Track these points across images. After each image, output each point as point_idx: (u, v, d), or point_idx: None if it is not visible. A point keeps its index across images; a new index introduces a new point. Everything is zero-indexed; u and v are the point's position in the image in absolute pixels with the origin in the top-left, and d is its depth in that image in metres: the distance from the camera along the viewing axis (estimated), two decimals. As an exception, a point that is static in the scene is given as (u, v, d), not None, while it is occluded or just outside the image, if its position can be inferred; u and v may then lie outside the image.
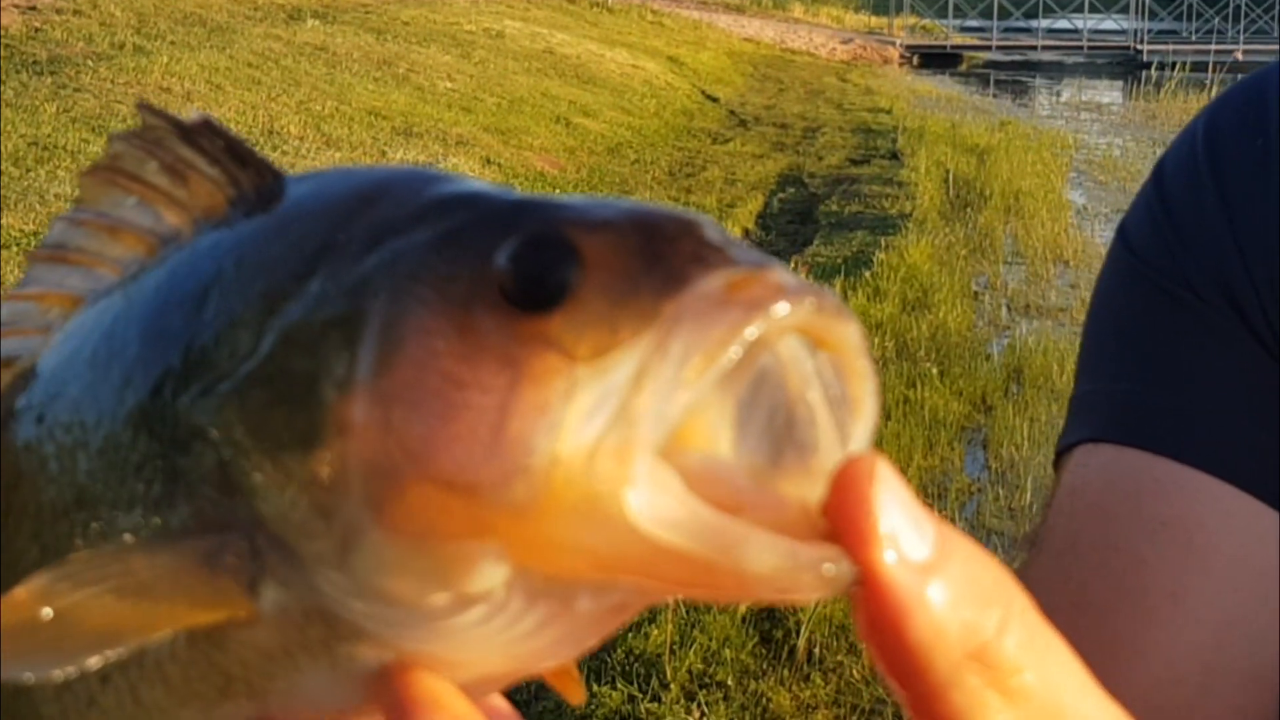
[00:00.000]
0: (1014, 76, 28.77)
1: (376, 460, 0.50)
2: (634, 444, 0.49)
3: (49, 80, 11.14)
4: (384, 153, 11.14)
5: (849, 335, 0.52)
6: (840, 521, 0.50)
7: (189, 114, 0.61)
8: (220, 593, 0.53)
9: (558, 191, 10.97)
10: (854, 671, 4.65)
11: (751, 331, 0.49)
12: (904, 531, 0.50)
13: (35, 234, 8.31)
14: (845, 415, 0.52)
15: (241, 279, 0.56)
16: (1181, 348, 1.21)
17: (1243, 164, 1.22)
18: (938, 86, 24.47)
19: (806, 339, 0.51)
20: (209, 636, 0.54)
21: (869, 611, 0.50)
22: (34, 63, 11.59)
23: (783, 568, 0.48)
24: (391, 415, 0.50)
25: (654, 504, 0.49)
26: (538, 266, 0.51)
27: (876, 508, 0.49)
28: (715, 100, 19.67)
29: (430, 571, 0.50)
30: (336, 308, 0.53)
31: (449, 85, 14.75)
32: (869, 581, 0.49)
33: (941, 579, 0.50)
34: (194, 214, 0.61)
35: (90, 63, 11.67)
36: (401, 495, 0.49)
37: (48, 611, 0.51)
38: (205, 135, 0.61)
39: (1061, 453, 1.24)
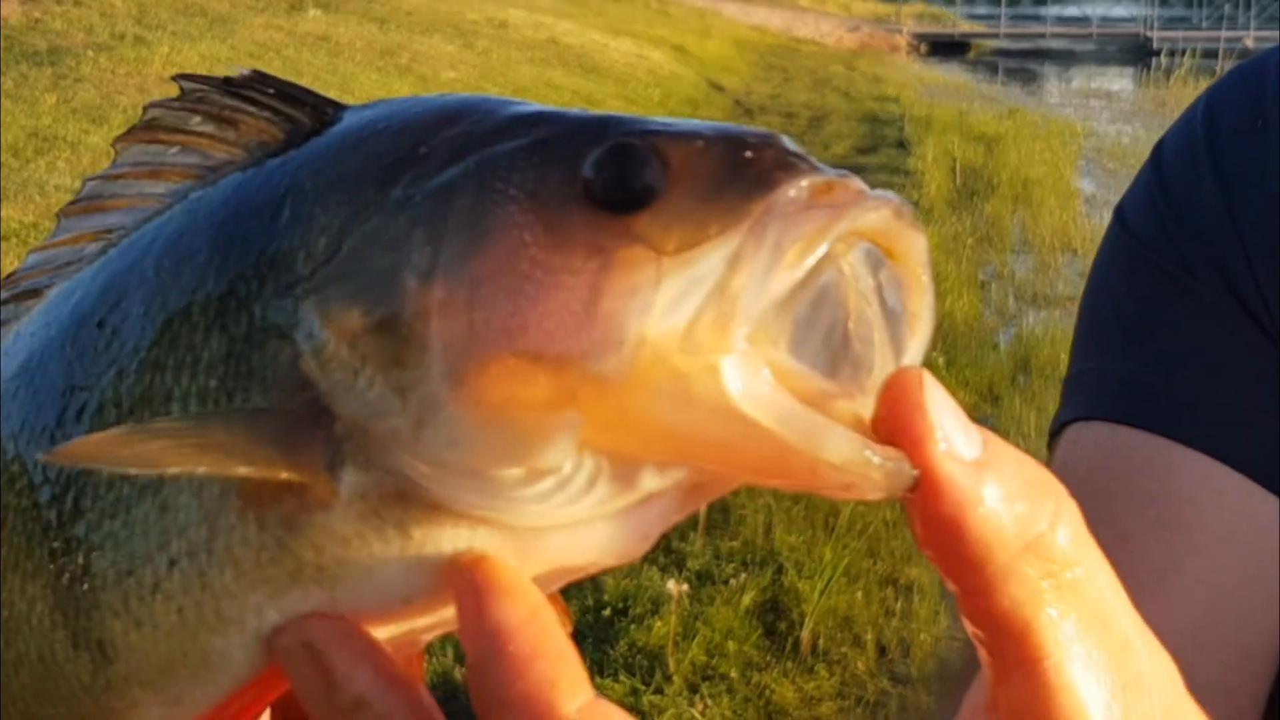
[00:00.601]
0: (1023, 64, 28.64)
1: (461, 337, 0.53)
2: (734, 316, 0.52)
3: (49, 71, 11.08)
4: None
5: (918, 247, 0.55)
6: (895, 425, 0.53)
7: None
8: (299, 467, 0.55)
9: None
10: (859, 664, 4.59)
11: (838, 230, 0.53)
12: (955, 433, 0.53)
13: (34, 225, 8.26)
14: (900, 329, 0.55)
15: (318, 189, 0.59)
16: (1176, 326, 1.22)
17: (1241, 145, 1.24)
18: (946, 75, 24.39)
19: (877, 248, 0.55)
20: (282, 520, 0.57)
21: (928, 511, 0.53)
22: (34, 53, 11.54)
23: (856, 460, 0.52)
24: (477, 295, 0.54)
25: (748, 383, 0.52)
26: (624, 171, 0.55)
27: (931, 411, 0.53)
28: (721, 89, 19.57)
29: (506, 444, 0.53)
30: (421, 209, 0.56)
31: (452, 75, 14.68)
32: (928, 481, 0.52)
33: (995, 475, 0.53)
34: (246, 145, 0.64)
35: (90, 53, 11.61)
36: (485, 368, 0.53)
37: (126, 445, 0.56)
38: (253, 85, 0.64)
39: (1055, 432, 1.26)
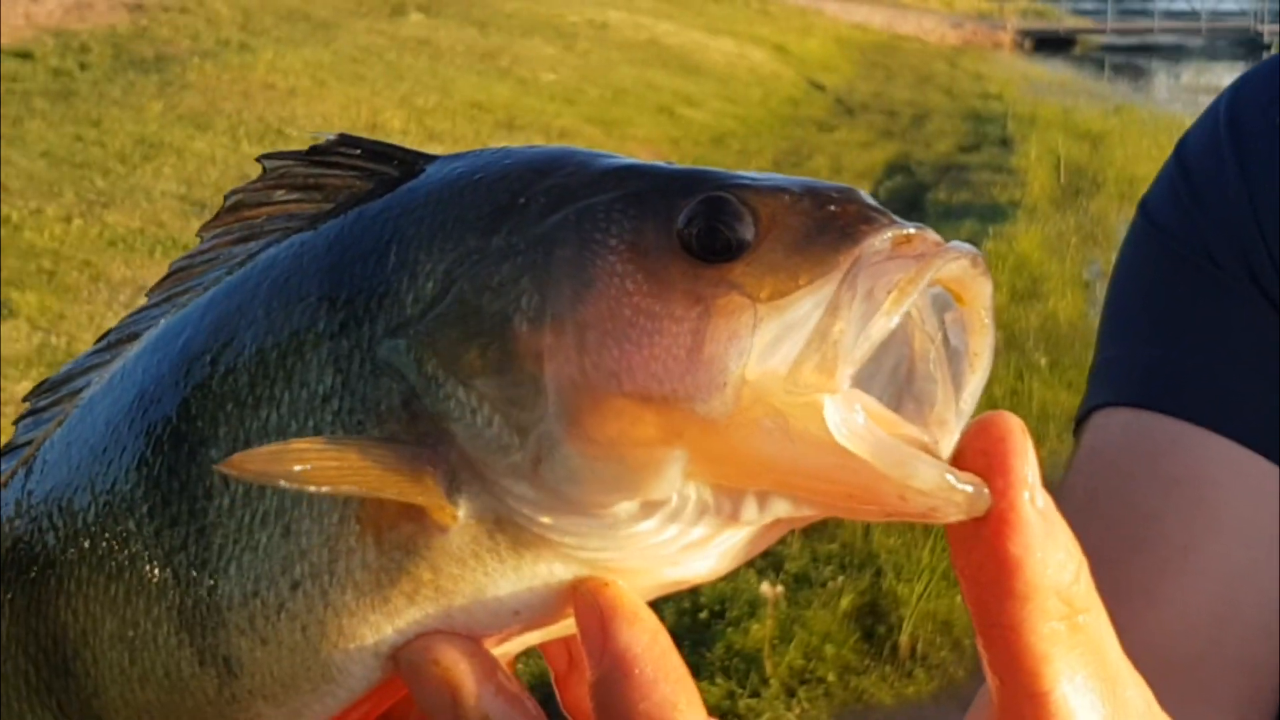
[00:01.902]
0: (1130, 60, 28.19)
1: (573, 380, 0.58)
2: (838, 359, 0.58)
3: (155, 78, 11.28)
4: (487, 146, 11.11)
5: (985, 293, 0.61)
6: (990, 460, 0.59)
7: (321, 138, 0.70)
8: (426, 493, 0.60)
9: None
10: (958, 669, 4.53)
11: (926, 279, 0.59)
12: (1036, 483, 0.60)
13: (140, 231, 8.41)
14: (961, 367, 0.61)
15: (422, 236, 0.64)
16: (1199, 314, 1.27)
17: (1262, 136, 1.28)
18: (1050, 71, 24.05)
19: (948, 292, 0.61)
20: (400, 543, 0.61)
21: (994, 544, 0.59)
22: (141, 61, 11.75)
23: (941, 486, 0.58)
24: (587, 341, 0.59)
25: (845, 419, 0.58)
26: (718, 223, 0.60)
27: (1027, 456, 0.60)
28: (822, 88, 19.45)
29: (618, 478, 0.59)
30: (525, 257, 0.61)
31: (552, 77, 14.72)
32: (1006, 519, 0.59)
33: (1052, 527, 0.60)
34: (334, 199, 0.69)
35: (196, 60, 11.81)
36: (596, 408, 0.58)
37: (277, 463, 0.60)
38: (338, 150, 0.69)
39: (1081, 419, 1.30)
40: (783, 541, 5.19)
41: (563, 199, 0.63)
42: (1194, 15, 33.18)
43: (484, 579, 0.61)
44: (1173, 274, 1.30)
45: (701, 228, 0.60)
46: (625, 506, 0.59)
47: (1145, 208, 1.36)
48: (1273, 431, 1.20)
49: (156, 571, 0.66)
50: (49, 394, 0.76)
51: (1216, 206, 1.28)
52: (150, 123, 10.28)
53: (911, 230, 0.60)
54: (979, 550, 0.60)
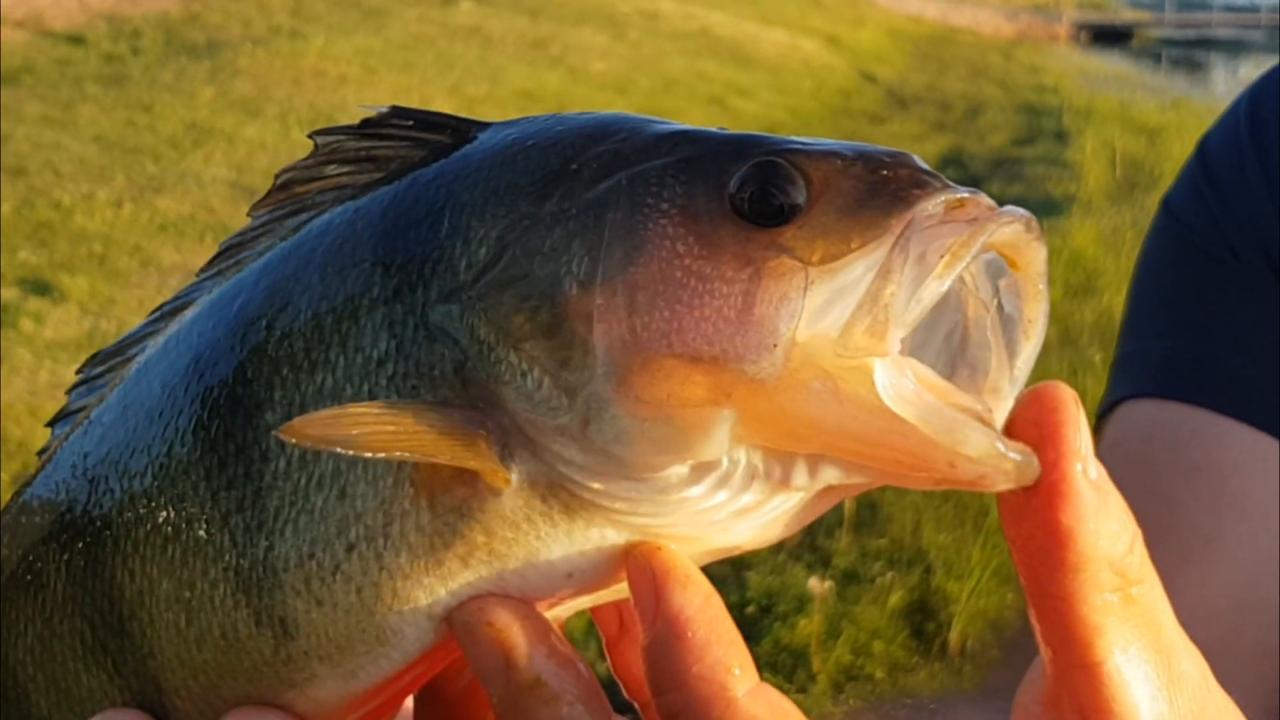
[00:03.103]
0: (1188, 54, 27.90)
1: (623, 340, 0.59)
2: (889, 322, 0.58)
3: (206, 64, 11.33)
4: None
5: (1040, 259, 0.61)
6: (1045, 432, 0.60)
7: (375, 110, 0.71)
8: (479, 456, 0.61)
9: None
10: (1008, 668, 4.44)
11: (980, 243, 0.59)
12: (1089, 455, 0.60)
13: (191, 217, 8.42)
14: (1016, 333, 0.61)
15: (474, 202, 0.65)
16: (1219, 305, 1.30)
17: None
18: (1107, 64, 23.84)
19: (1002, 258, 0.61)
20: (454, 506, 0.62)
21: (1045, 515, 0.60)
22: (192, 47, 11.80)
23: (991, 453, 0.58)
24: (637, 302, 0.59)
25: (895, 383, 0.58)
26: (768, 188, 0.60)
27: (1080, 427, 0.60)
28: (874, 80, 19.32)
29: (668, 439, 0.59)
30: (577, 222, 0.62)
31: (602, 67, 14.69)
32: (1058, 489, 0.59)
33: (1106, 498, 0.61)
34: (385, 169, 0.69)
35: (248, 46, 11.85)
36: (647, 368, 0.59)
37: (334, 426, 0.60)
38: (389, 122, 0.70)
39: (1104, 413, 1.33)
40: (831, 537, 5.15)
41: (615, 164, 0.63)
42: (1253, 9, 32.83)
43: (536, 542, 0.62)
44: (1194, 268, 1.33)
45: (753, 191, 0.60)
46: (675, 470, 0.60)
47: (1168, 204, 1.39)
48: None
49: (213, 533, 0.67)
50: (102, 364, 0.77)
51: (1237, 201, 1.31)
52: (201, 108, 10.31)
53: (965, 194, 0.60)
54: (1031, 520, 0.60)
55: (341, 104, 10.92)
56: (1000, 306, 0.61)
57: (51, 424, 0.78)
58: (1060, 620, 0.61)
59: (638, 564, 0.62)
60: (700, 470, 0.60)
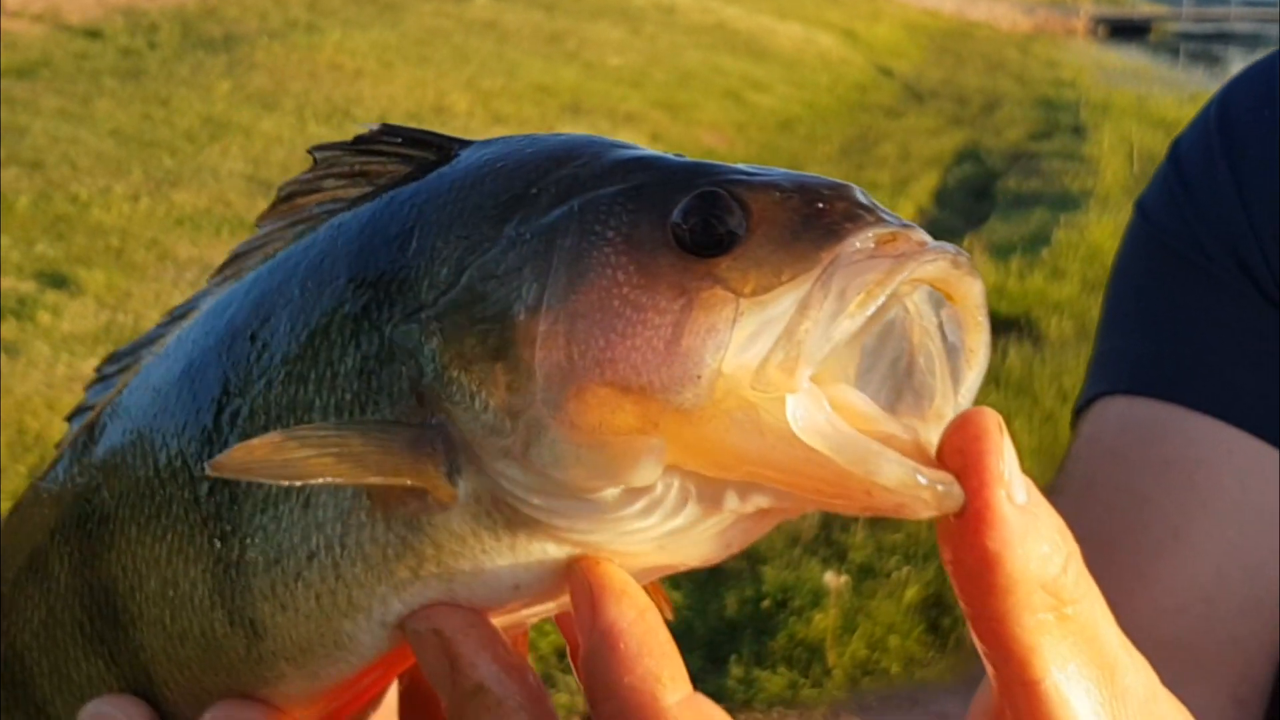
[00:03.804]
0: (1206, 48, 27.75)
1: (560, 367, 0.61)
2: (800, 359, 0.59)
3: (223, 58, 11.34)
4: (551, 129, 11.08)
5: (975, 291, 0.62)
6: (967, 460, 0.61)
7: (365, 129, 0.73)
8: (423, 474, 0.63)
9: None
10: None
11: (898, 280, 0.60)
12: (1015, 479, 0.61)
13: (207, 210, 8.43)
14: (959, 362, 0.62)
15: (441, 223, 0.67)
16: (1191, 304, 1.33)
17: (1252, 132, 1.34)
18: (1124, 58, 23.74)
19: (938, 291, 0.62)
20: (405, 520, 0.64)
21: (972, 540, 0.61)
22: (209, 41, 11.82)
23: (908, 483, 0.59)
24: (575, 330, 0.61)
25: (808, 415, 0.59)
26: (709, 218, 0.61)
27: (1003, 453, 0.61)
28: (890, 74, 19.28)
29: (600, 465, 0.61)
30: (530, 247, 0.64)
31: (618, 61, 14.67)
32: (982, 515, 0.61)
33: (1033, 521, 0.62)
34: (376, 183, 0.72)
35: (264, 40, 11.86)
36: (580, 396, 0.60)
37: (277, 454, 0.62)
38: (380, 139, 0.73)
39: (1080, 410, 1.36)
40: (847, 531, 5.14)
41: (571, 190, 0.65)
42: (1271, 3, 32.65)
43: (483, 555, 0.64)
44: (1167, 269, 1.36)
45: (695, 222, 0.61)
46: (609, 492, 0.61)
47: (1142, 207, 1.42)
48: (1264, 412, 1.25)
49: (195, 536, 0.70)
50: (117, 363, 0.80)
51: (1208, 203, 1.34)
52: (218, 102, 10.32)
53: (896, 228, 0.61)
54: (959, 545, 0.62)
55: (357, 98, 10.92)
56: (944, 335, 0.62)
57: (70, 418, 0.82)
58: (997, 640, 0.63)
59: (576, 578, 0.64)
60: (634, 493, 0.62)
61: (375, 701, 0.72)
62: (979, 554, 0.61)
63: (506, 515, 0.63)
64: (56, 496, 0.79)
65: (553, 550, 0.64)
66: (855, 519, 5.12)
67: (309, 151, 0.75)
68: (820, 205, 0.62)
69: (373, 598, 0.66)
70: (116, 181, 8.60)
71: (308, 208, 0.74)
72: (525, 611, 0.67)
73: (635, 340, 0.60)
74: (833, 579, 4.57)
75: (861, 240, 0.60)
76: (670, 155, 0.67)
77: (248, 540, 0.68)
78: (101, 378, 0.80)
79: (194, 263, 7.61)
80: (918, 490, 0.59)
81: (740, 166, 0.65)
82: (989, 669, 0.66)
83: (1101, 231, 9.69)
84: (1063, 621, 0.63)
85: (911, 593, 4.76)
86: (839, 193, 0.62)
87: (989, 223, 10.36)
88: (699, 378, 0.59)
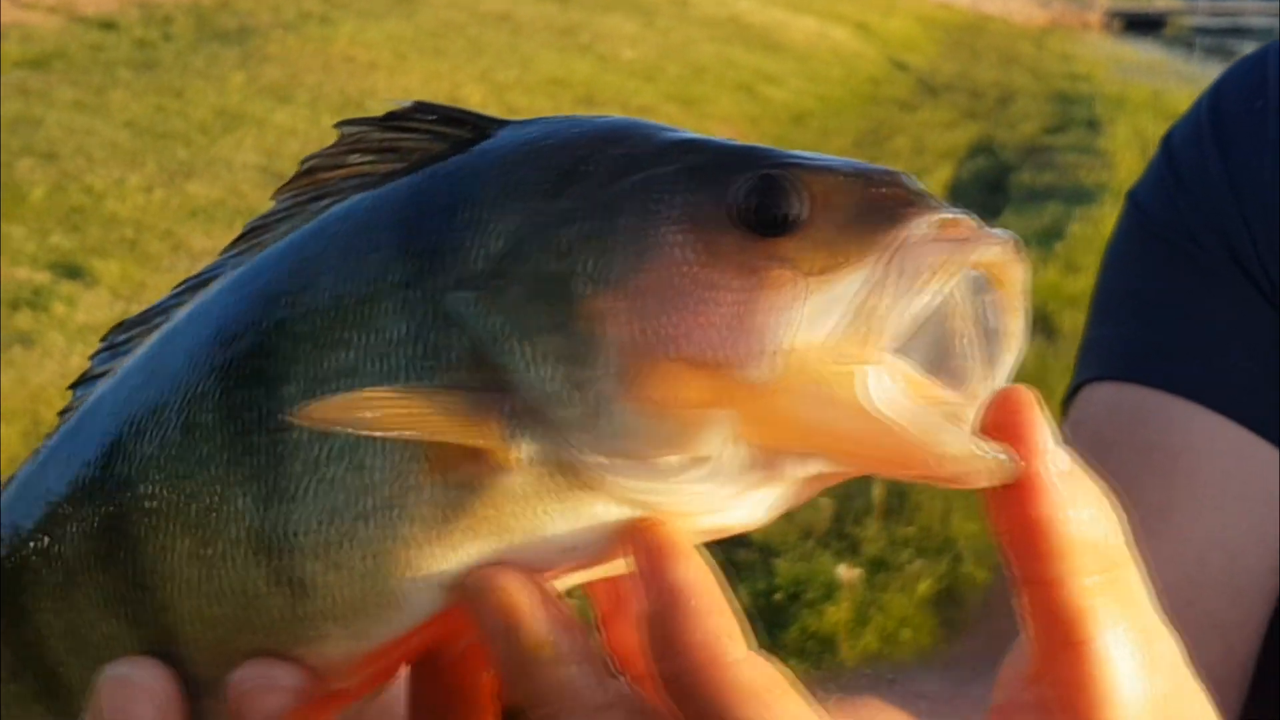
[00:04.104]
0: (1221, 42, 27.61)
1: (628, 342, 0.63)
2: (876, 334, 0.63)
3: (237, 50, 11.34)
4: (566, 121, 11.08)
5: (1021, 277, 0.65)
6: (1012, 433, 0.64)
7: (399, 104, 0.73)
8: (485, 436, 0.64)
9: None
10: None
11: (967, 261, 0.63)
12: (1055, 448, 0.65)
13: (221, 202, 8.44)
14: (996, 347, 0.65)
15: (491, 196, 0.68)
16: (1180, 292, 1.36)
17: (1243, 123, 1.37)
18: (1140, 53, 23.66)
19: (986, 275, 0.65)
20: (463, 483, 0.65)
21: (1023, 509, 0.65)
22: (223, 33, 11.83)
23: (970, 454, 0.63)
24: (643, 306, 0.63)
25: (879, 387, 0.62)
26: (771, 200, 0.64)
27: (1044, 425, 0.65)
28: (904, 68, 19.23)
29: (668, 435, 0.63)
30: (589, 223, 0.65)
31: (632, 54, 14.65)
32: (1031, 485, 0.64)
33: (1077, 487, 0.66)
34: (409, 159, 0.72)
35: (278, 32, 11.86)
36: (650, 371, 0.63)
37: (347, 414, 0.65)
38: (414, 116, 0.73)
39: (1069, 396, 1.38)
40: (860, 524, 5.13)
41: (627, 168, 0.67)
42: (1288, -3, 32.52)
43: (542, 517, 0.66)
44: (1157, 257, 1.39)
45: (756, 203, 0.64)
46: (673, 459, 0.64)
47: (1134, 197, 1.46)
48: (1251, 399, 1.28)
49: (233, 496, 0.70)
50: (126, 331, 0.79)
51: (1199, 192, 1.37)
52: (232, 94, 10.33)
53: (953, 215, 0.64)
54: (1014, 513, 0.65)
55: (371, 90, 10.92)
56: (982, 320, 0.65)
57: (74, 386, 0.81)
58: (1048, 604, 0.66)
59: (641, 538, 0.66)
60: (698, 460, 0.64)
61: (397, 670, 0.72)
62: (1029, 522, 0.65)
63: (567, 478, 0.65)
64: (71, 458, 0.78)
65: (611, 512, 0.66)
66: (868, 512, 5.12)
67: (335, 126, 0.74)
68: (880, 190, 0.65)
69: (427, 558, 0.67)
70: (131, 173, 8.61)
71: (331, 182, 0.74)
72: (578, 574, 0.69)
73: (705, 317, 0.63)
74: (845, 572, 4.56)
75: (924, 225, 0.64)
76: (720, 138, 0.70)
77: (294, 501, 0.68)
78: (110, 346, 0.80)
79: (208, 254, 7.55)
80: (981, 462, 0.63)
81: (794, 152, 0.67)
82: (1031, 633, 0.68)
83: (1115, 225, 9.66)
84: (1112, 584, 0.66)
85: (924, 586, 4.75)
86: (894, 179, 0.66)
87: (1003, 216, 10.32)
88: (769, 353, 0.62)
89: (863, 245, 0.63)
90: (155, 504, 0.73)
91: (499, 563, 0.66)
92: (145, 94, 10.11)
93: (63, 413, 0.81)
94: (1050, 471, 0.65)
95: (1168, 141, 1.47)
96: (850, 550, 4.95)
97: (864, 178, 0.65)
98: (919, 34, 22.50)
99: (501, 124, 0.72)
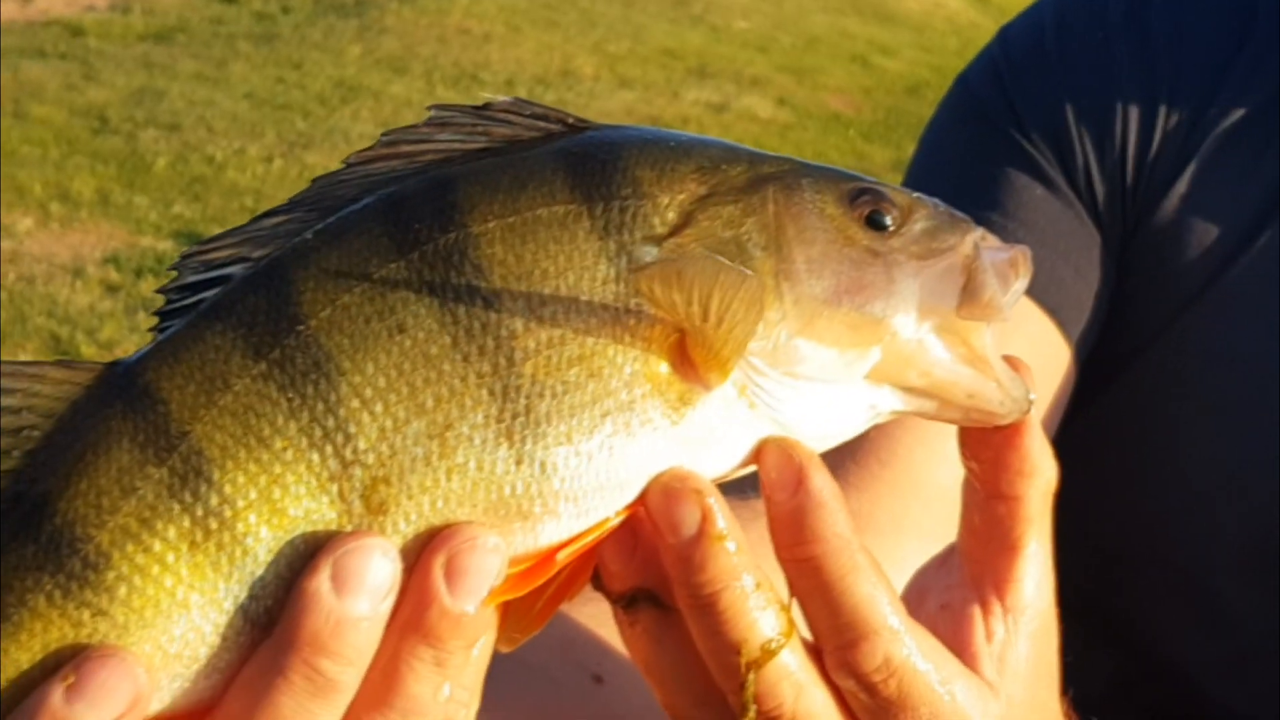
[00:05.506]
0: None
1: (807, 296, 0.81)
2: (997, 308, 0.83)
3: (354, 23, 11.45)
4: (677, 93, 11.07)
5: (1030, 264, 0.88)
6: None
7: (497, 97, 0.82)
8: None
9: (853, 133, 10.63)
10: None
11: (1027, 262, 0.85)
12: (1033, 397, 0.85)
13: (338, 172, 8.51)
14: (1007, 273, 0.86)
15: (658, 168, 0.81)
16: (996, 174, 1.44)
17: (1086, 49, 1.45)
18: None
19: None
20: (679, 395, 0.80)
21: (1013, 438, 0.85)
22: (341, 6, 11.94)
23: (1023, 404, 0.84)
24: (810, 276, 0.81)
25: (987, 347, 0.84)
26: (877, 206, 0.83)
27: (1031, 372, 0.86)
28: (1021, 38, 18.88)
29: (830, 367, 0.81)
30: (746, 203, 0.82)
31: (744, 25, 14.57)
32: (1026, 420, 0.85)
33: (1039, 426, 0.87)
34: (497, 144, 0.81)
35: (394, 5, 11.93)
36: (824, 318, 0.81)
37: None
38: (508, 110, 0.82)
39: None
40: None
41: (755, 167, 0.83)
42: None
43: (727, 428, 0.81)
44: (987, 141, 1.46)
45: (869, 207, 0.83)
46: (827, 384, 0.81)
47: (965, 80, 1.54)
48: (1062, 300, 1.39)
49: (467, 387, 0.77)
50: (223, 242, 0.87)
51: (1033, 84, 1.44)
52: (349, 66, 10.44)
53: (1009, 247, 0.87)
54: (998, 442, 0.85)
55: (485, 62, 10.99)
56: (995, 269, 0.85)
57: (164, 290, 0.87)
58: (1008, 514, 0.86)
59: (787, 452, 0.81)
60: (839, 393, 0.82)
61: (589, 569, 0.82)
62: (1019, 447, 0.84)
63: (749, 399, 0.81)
64: (234, 345, 0.78)
65: (765, 430, 0.81)
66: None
67: (429, 108, 0.79)
68: (942, 209, 0.85)
69: (650, 454, 0.79)
70: (251, 143, 8.75)
71: (416, 155, 0.80)
72: (735, 476, 0.83)
73: (857, 285, 0.81)
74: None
75: (979, 235, 0.85)
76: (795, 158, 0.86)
77: (535, 396, 0.78)
78: (212, 263, 0.86)
79: (325, 224, 7.70)
80: (1019, 405, 0.83)
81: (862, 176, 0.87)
82: (976, 539, 0.88)
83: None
84: (1048, 504, 0.87)
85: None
86: (943, 205, 0.86)
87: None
88: (906, 313, 0.82)
89: (947, 242, 0.83)
90: (378, 387, 0.76)
91: (690, 472, 0.80)
92: (264, 66, 10.27)
93: (160, 311, 0.85)
94: (1034, 413, 0.84)
95: (1004, 39, 1.52)
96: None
97: (925, 201, 0.85)
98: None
99: (594, 126, 0.82)
